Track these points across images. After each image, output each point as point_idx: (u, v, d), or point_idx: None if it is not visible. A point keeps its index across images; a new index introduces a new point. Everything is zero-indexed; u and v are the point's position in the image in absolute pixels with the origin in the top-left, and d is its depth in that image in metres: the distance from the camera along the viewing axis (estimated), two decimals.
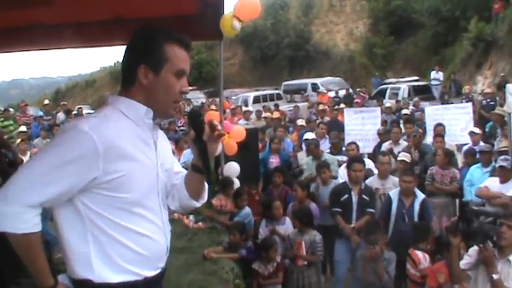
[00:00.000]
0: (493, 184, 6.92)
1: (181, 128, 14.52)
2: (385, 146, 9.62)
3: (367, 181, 6.75)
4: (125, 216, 2.05)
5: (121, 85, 2.18)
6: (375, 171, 7.51)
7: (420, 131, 10.33)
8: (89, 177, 1.96)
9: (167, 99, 2.12)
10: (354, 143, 8.92)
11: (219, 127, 2.18)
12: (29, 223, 1.94)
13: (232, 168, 7.26)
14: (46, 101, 23.13)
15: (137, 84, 2.10)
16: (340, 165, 8.12)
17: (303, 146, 9.82)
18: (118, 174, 2.00)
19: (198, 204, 2.46)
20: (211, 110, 13.94)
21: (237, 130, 7.37)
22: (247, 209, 6.72)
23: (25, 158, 8.81)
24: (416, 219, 6.22)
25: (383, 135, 10.35)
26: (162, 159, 2.24)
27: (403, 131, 10.58)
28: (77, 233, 2.03)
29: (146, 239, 2.11)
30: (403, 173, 6.64)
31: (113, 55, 45.38)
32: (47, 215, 5.92)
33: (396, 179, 6.98)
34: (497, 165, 7.08)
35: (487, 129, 11.67)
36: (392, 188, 6.73)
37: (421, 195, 6.41)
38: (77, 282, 2.07)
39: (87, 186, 1.98)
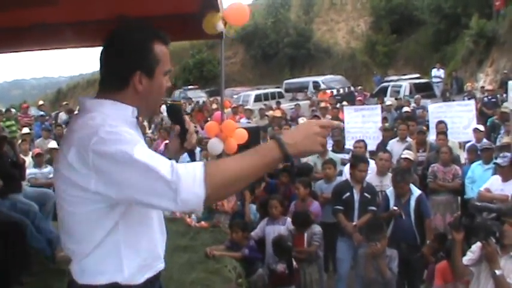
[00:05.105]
0: (496, 182, 6.91)
1: None
2: (391, 143, 9.57)
3: (366, 178, 6.74)
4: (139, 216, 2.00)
5: (103, 87, 2.05)
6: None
7: (424, 128, 10.31)
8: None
9: (158, 99, 2.12)
10: (363, 141, 8.83)
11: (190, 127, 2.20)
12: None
13: None
14: (41, 102, 23.32)
15: (129, 89, 2.00)
16: (343, 164, 8.03)
17: None
18: None
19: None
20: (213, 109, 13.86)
21: (239, 132, 7.34)
22: (253, 207, 6.67)
23: (27, 158, 8.78)
24: (413, 215, 6.22)
25: (389, 131, 10.27)
26: None
27: None
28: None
29: (152, 241, 2.07)
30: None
31: None
32: (49, 214, 5.90)
33: None
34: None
35: (488, 124, 11.68)
36: (390, 185, 6.71)
37: (416, 192, 6.40)
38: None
39: None
